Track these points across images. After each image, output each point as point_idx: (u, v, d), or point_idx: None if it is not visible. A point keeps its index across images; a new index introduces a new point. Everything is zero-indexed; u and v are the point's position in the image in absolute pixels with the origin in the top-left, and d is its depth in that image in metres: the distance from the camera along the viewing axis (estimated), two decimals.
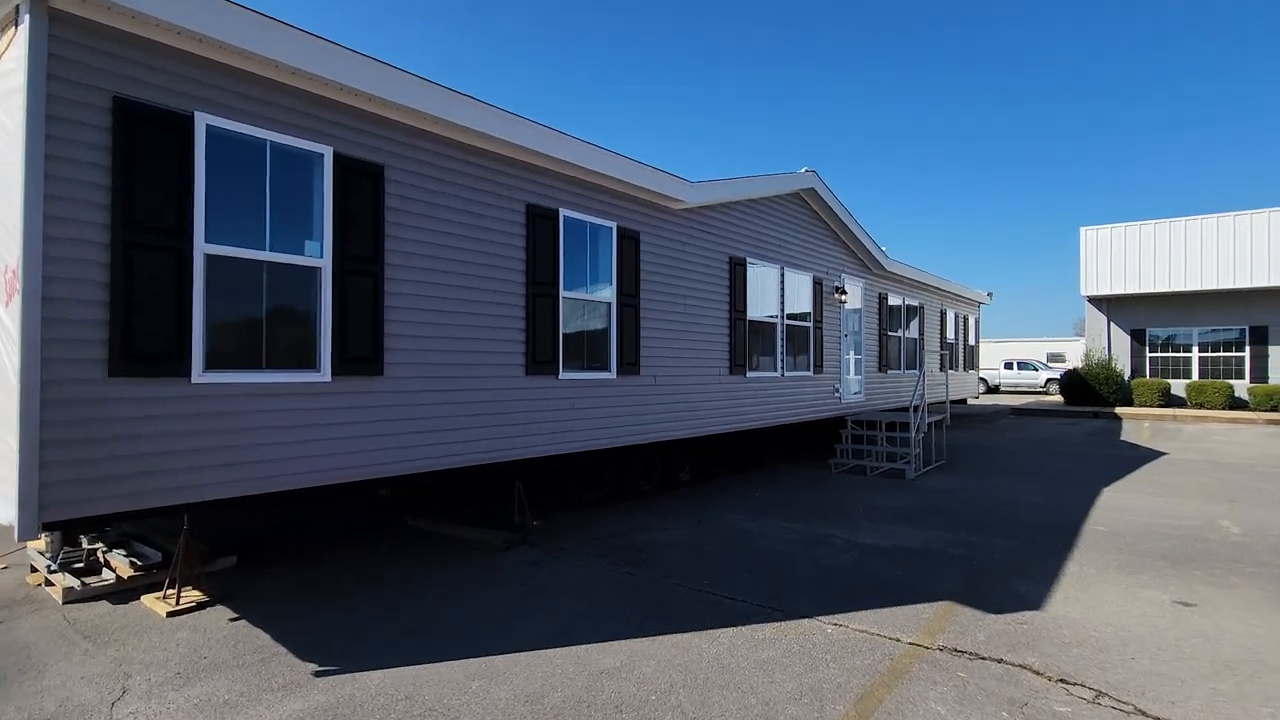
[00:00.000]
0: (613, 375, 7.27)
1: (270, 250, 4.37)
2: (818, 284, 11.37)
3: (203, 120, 4.08)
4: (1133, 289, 19.90)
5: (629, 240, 7.47)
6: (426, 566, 5.74)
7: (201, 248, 4.04)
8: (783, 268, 10.41)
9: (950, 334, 18.27)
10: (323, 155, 4.68)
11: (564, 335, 6.73)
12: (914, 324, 15.77)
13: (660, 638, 4.22)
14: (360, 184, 4.87)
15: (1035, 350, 44.48)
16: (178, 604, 4.60)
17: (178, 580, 4.69)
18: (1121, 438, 15.35)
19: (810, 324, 11.17)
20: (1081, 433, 16.39)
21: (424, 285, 5.41)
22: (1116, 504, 8.48)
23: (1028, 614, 4.60)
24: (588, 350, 7.09)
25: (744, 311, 9.41)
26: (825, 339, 11.61)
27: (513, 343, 6.20)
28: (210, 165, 4.13)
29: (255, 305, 4.33)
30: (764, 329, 10.07)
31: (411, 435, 5.23)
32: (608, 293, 7.25)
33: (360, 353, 4.87)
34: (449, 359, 5.60)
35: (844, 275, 12.30)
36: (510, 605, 4.82)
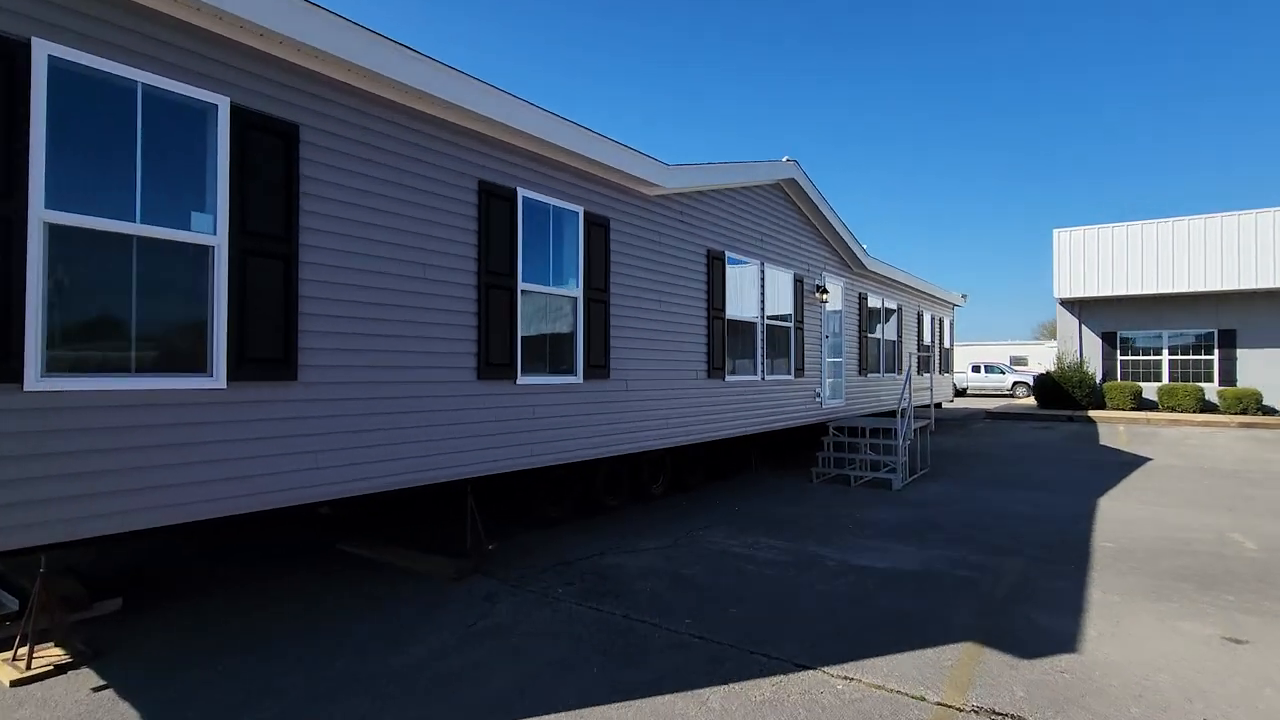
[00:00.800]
0: (578, 379, 6.47)
1: (143, 222, 3.46)
2: (798, 282, 10.73)
3: (43, 49, 3.16)
4: (1105, 291, 19.81)
5: (598, 227, 6.68)
6: (361, 604, 4.86)
7: (40, 214, 3.13)
8: (763, 264, 9.74)
9: (927, 336, 17.87)
10: (216, 107, 3.78)
11: (523, 335, 5.90)
12: (892, 325, 15.28)
13: (636, 703, 3.43)
14: (267, 145, 3.98)
15: (999, 354, 44.99)
16: (28, 669, 3.66)
17: (30, 636, 3.74)
18: (1100, 442, 15.07)
19: (791, 325, 10.52)
20: (1059, 437, 16.10)
21: (351, 272, 4.54)
22: (1117, 515, 7.97)
23: (1064, 658, 3.93)
24: (550, 351, 6.28)
25: (722, 310, 8.70)
26: (806, 341, 10.98)
27: (463, 342, 5.36)
28: (55, 108, 3.21)
29: (121, 293, 3.42)
30: (743, 329, 9.36)
31: (333, 453, 4.35)
32: (573, 286, 6.45)
33: (266, 353, 3.98)
34: (383, 360, 4.73)
35: (825, 274, 11.70)
36: (456, 655, 3.98)
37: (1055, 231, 20.56)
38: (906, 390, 10.32)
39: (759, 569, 5.74)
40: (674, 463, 9.08)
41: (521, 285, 5.85)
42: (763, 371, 9.70)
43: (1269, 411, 18.57)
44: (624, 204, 7.10)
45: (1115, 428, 17.58)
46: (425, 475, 5.04)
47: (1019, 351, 46.58)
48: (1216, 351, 19.61)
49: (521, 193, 5.86)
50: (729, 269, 8.89)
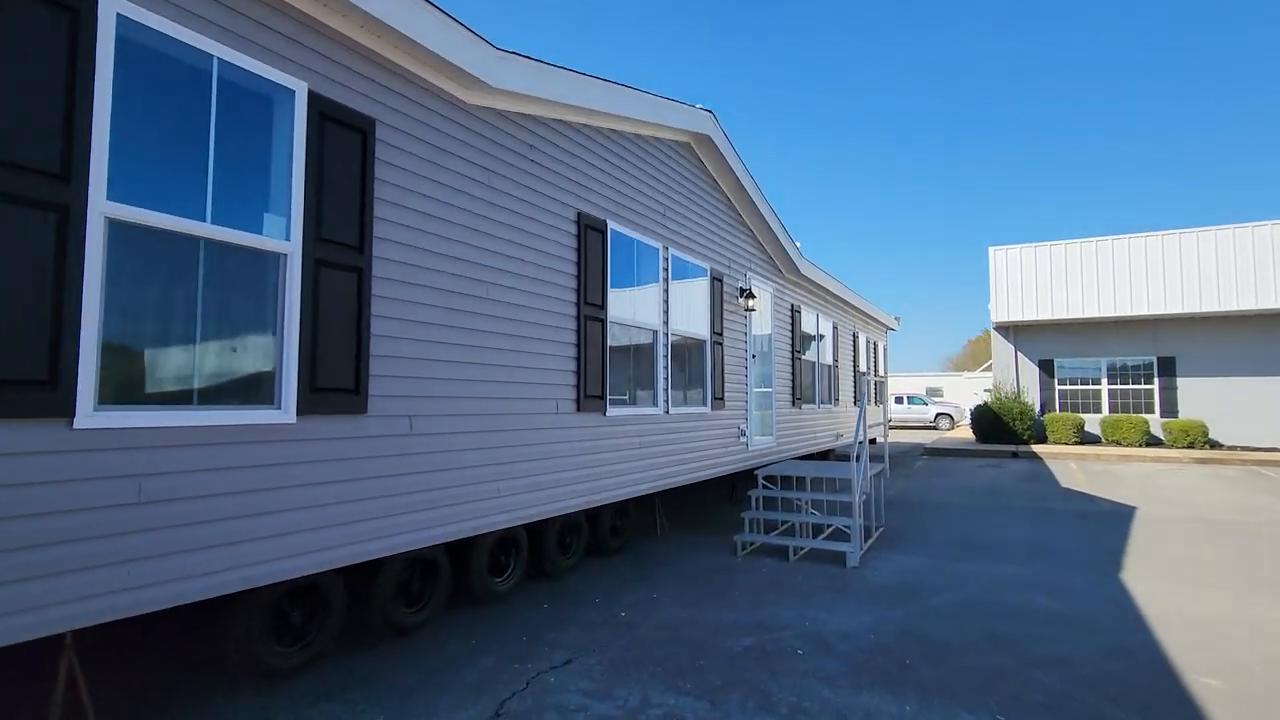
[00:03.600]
0: (279, 416, 3.28)
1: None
2: (717, 282, 7.97)
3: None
4: (1044, 315, 18.32)
5: (342, 130, 3.58)
6: None
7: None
8: (667, 249, 6.90)
9: (862, 362, 15.62)
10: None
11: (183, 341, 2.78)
12: (828, 346, 12.82)
13: None
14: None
15: (916, 385, 44.83)
16: None
17: None
18: (1062, 484, 13.02)
19: (707, 338, 7.70)
20: (1013, 477, 14.01)
21: None
22: (1171, 610, 5.44)
23: None
24: (210, 366, 3.09)
25: (602, 308, 5.75)
26: (728, 361, 8.19)
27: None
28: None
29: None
30: (637, 342, 6.45)
31: None
32: (278, 233, 3.29)
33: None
34: None
35: (751, 275, 9.02)
36: None
37: (991, 250, 19.04)
38: (861, 427, 7.66)
39: None
40: (531, 539, 5.97)
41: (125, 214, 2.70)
42: (667, 402, 6.78)
43: (1215, 445, 17.35)
44: (410, 103, 4.04)
45: (1067, 465, 15.75)
46: None
47: (934, 383, 46.68)
48: (1157, 380, 18.38)
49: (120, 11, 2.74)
50: (614, 246, 5.99)
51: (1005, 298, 18.81)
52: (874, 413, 16.46)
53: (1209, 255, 16.46)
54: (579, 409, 5.39)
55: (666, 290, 6.85)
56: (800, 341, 10.97)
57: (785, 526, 8.20)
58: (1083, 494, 11.78)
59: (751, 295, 8.66)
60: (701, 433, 7.49)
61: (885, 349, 18.61)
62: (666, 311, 6.82)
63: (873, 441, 17.58)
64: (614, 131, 6.11)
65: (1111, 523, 9.28)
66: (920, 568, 6.93)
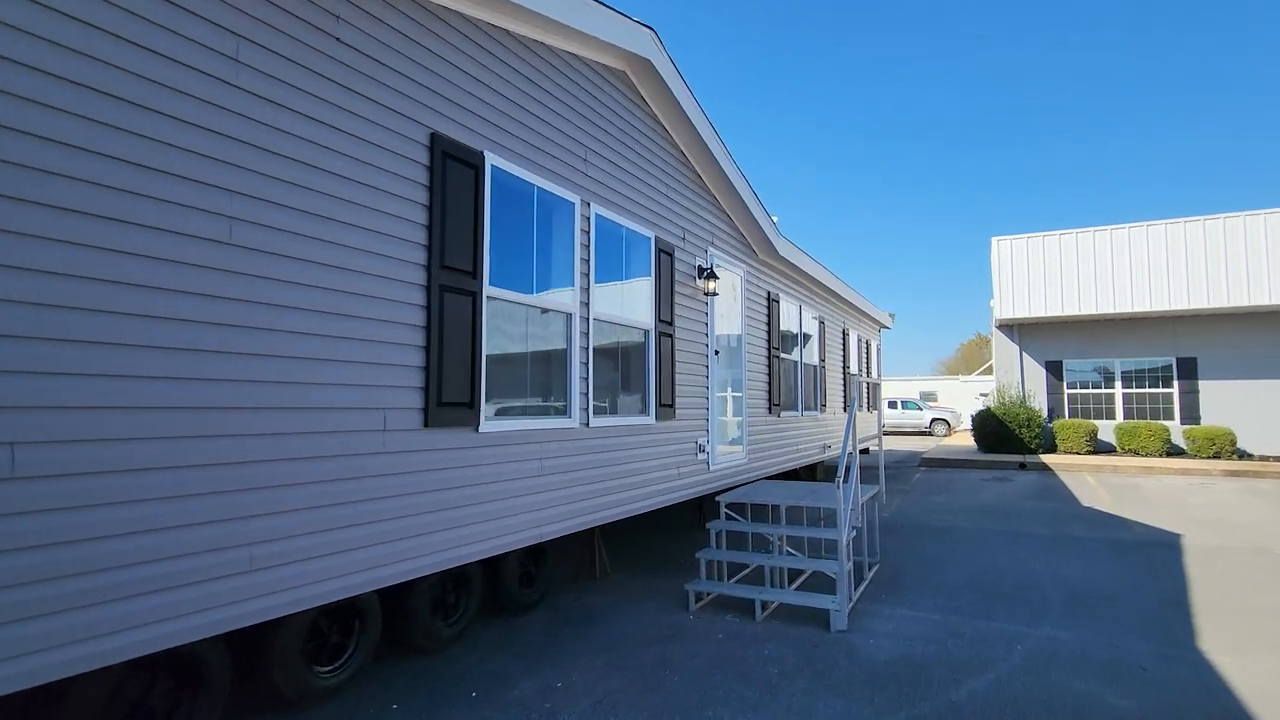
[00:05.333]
0: None
1: None
2: (665, 256, 6.21)
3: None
4: (1052, 312, 16.65)
5: None
6: None
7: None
8: (589, 206, 5.13)
9: (854, 363, 13.89)
10: None
11: None
12: (814, 344, 11.08)
13: None
14: None
15: (910, 389, 43.40)
16: None
17: None
18: (1083, 502, 11.30)
19: (651, 328, 5.93)
20: (1024, 493, 12.29)
21: None
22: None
23: None
24: None
25: (474, 275, 3.97)
26: (680, 359, 6.43)
27: None
28: None
29: None
30: (540, 330, 4.68)
31: None
32: None
33: None
34: None
35: (714, 252, 7.27)
36: None
37: (994, 241, 17.37)
38: (850, 438, 5.88)
39: None
40: (387, 605, 4.20)
41: None
42: (585, 411, 5.00)
43: (1243, 455, 15.70)
44: None
45: (1082, 478, 14.05)
46: None
47: (929, 387, 45.27)
48: (1176, 384, 16.74)
49: None
50: (497, 194, 4.20)
51: (1009, 293, 17.14)
52: (867, 420, 14.75)
53: (1236, 244, 14.82)
54: (428, 423, 3.60)
55: (588, 261, 5.08)
56: (779, 337, 9.22)
57: (753, 569, 6.43)
58: (1110, 516, 10.06)
59: (713, 276, 6.90)
60: (642, 450, 5.72)
61: (879, 349, 16.91)
62: (587, 290, 5.05)
63: (865, 452, 15.88)
64: (506, 33, 4.34)
65: (1156, 556, 7.56)
66: (930, 630, 5.18)
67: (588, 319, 5.04)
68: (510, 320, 4.39)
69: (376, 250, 3.42)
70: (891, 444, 25.36)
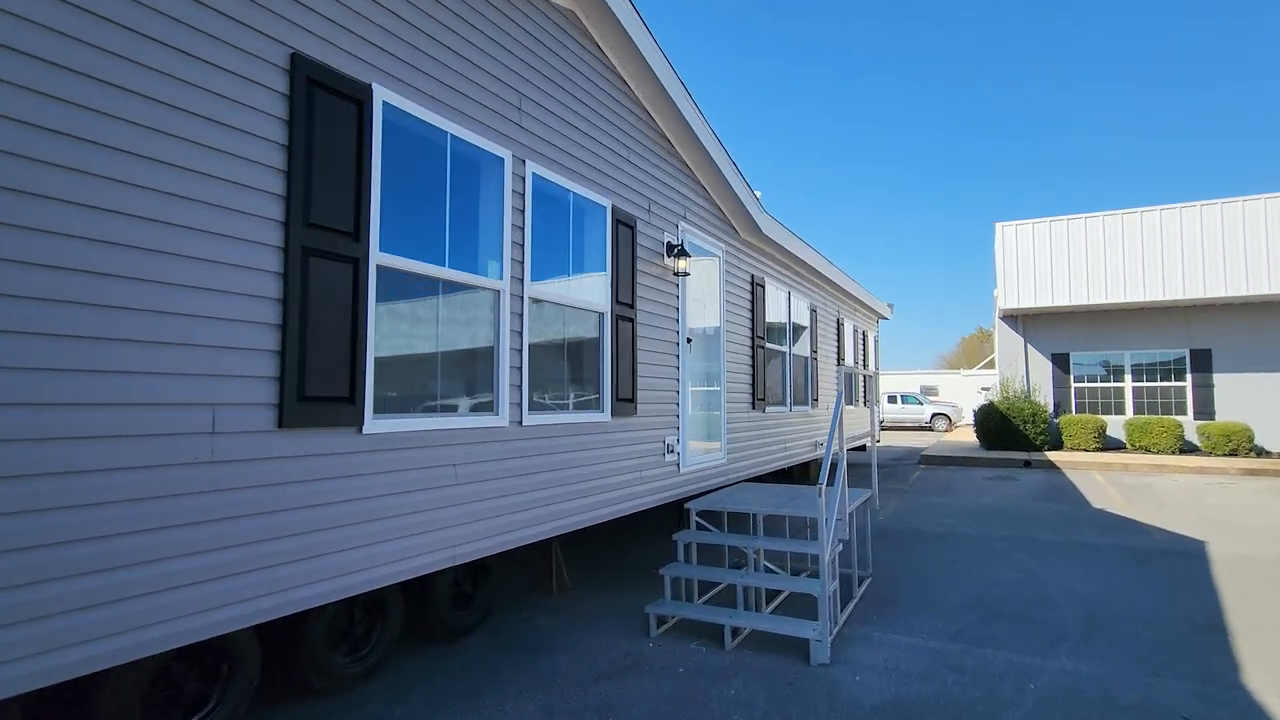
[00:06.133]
0: None
1: None
2: (624, 228, 5.41)
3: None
4: (1059, 301, 15.82)
5: None
6: None
7: None
8: (524, 164, 4.33)
9: (849, 355, 13.09)
10: None
11: None
12: (804, 333, 10.28)
13: None
14: None
15: (910, 383, 42.72)
16: None
17: None
18: (1094, 503, 10.52)
19: (607, 311, 5.14)
20: (1030, 494, 11.51)
21: None
22: None
23: None
24: None
25: (357, 238, 3.17)
26: (644, 347, 5.64)
27: None
28: None
29: None
30: (459, 309, 3.89)
31: None
32: None
33: None
34: None
35: (686, 227, 6.47)
36: None
37: (998, 227, 16.52)
38: (836, 436, 5.08)
39: None
40: (279, 637, 3.44)
41: None
42: (518, 407, 4.21)
43: (1261, 452, 14.90)
44: None
45: (1091, 477, 13.26)
46: None
47: (929, 381, 44.57)
48: (1189, 377, 15.91)
49: None
50: (393, 139, 3.40)
51: (1014, 282, 16.31)
52: (859, 415, 13.96)
53: (1256, 229, 13.97)
54: (284, 423, 2.81)
55: (522, 229, 4.28)
56: (764, 325, 8.43)
57: (724, 588, 5.66)
58: (1124, 519, 9.28)
59: (684, 254, 6.10)
60: (594, 452, 4.93)
61: (876, 340, 16.11)
62: (521, 262, 4.25)
63: (861, 449, 15.09)
64: None
65: (1179, 567, 6.78)
66: (926, 663, 4.42)
67: (522, 298, 4.24)
68: (415, 297, 3.60)
69: (208, 199, 2.63)
70: (891, 440, 24.58)
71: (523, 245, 4.27)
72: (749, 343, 7.97)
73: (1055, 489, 12.00)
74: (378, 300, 3.29)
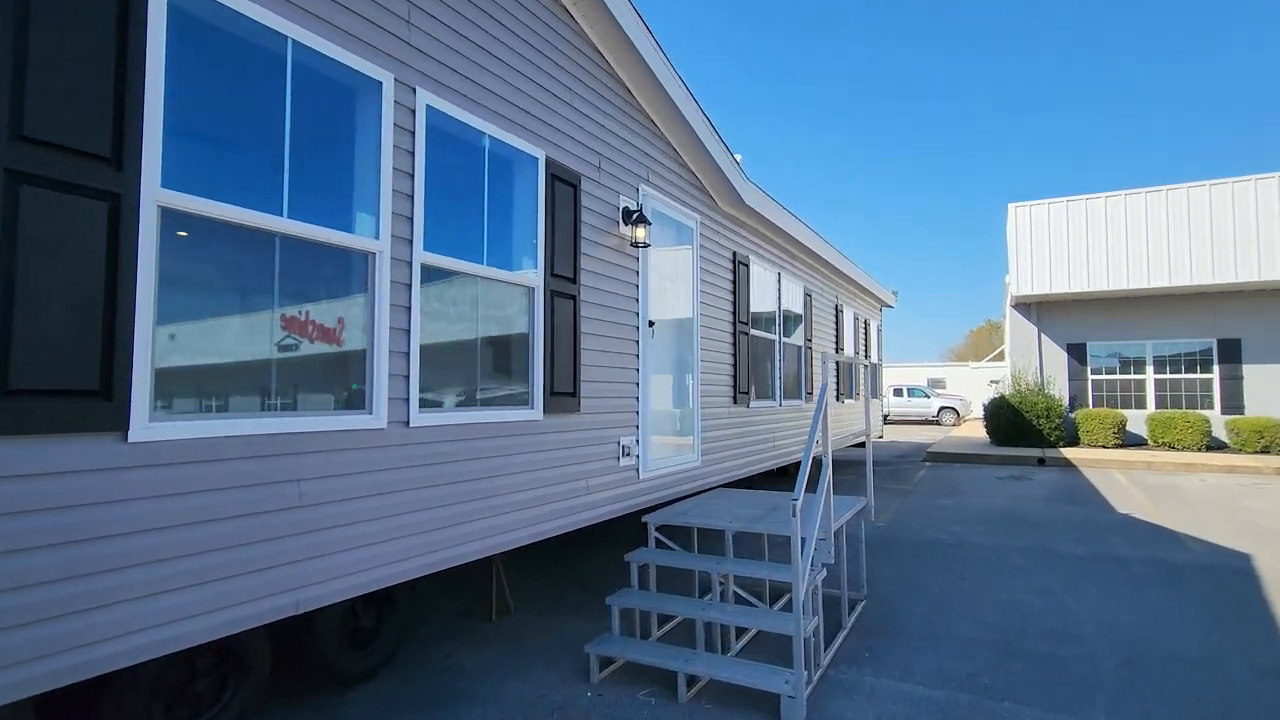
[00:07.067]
0: None
1: None
2: (564, 185, 4.46)
3: None
4: (1076, 287, 14.77)
5: None
6: None
7: None
8: (413, 91, 3.39)
9: (848, 344, 12.12)
10: None
11: None
12: (797, 320, 9.32)
13: None
14: None
15: (917, 375, 41.79)
16: None
17: None
18: (1118, 508, 9.54)
19: (538, 285, 4.21)
20: (1047, 496, 10.53)
21: None
22: None
23: None
24: None
25: (118, 163, 2.24)
26: (589, 329, 4.70)
27: None
28: None
29: None
30: (311, 280, 2.97)
31: None
32: None
33: None
34: None
35: (648, 190, 5.51)
36: None
37: (1011, 208, 15.47)
38: (816, 437, 4.13)
39: None
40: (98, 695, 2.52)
41: None
42: (405, 404, 3.28)
43: None
44: None
45: (1112, 477, 12.26)
46: None
47: (936, 374, 43.64)
48: (1217, 368, 14.85)
49: None
50: (177, 31, 2.46)
51: (1028, 267, 15.26)
52: (858, 410, 12.98)
53: None
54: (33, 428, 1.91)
55: (412, 176, 3.35)
56: (749, 309, 7.47)
57: (683, 626, 4.73)
58: (1154, 527, 8.29)
59: (644, 221, 5.15)
60: (519, 458, 4.01)
61: (879, 330, 15.11)
62: (410, 219, 3.32)
63: (861, 445, 14.13)
64: None
65: (1226, 588, 5.81)
66: None
67: (410, 264, 3.31)
68: (230, 255, 2.67)
69: None
70: (895, 434, 23.59)
71: (411, 197, 3.34)
72: (730, 329, 7.02)
73: (1074, 490, 11.01)
74: (167, 257, 2.37)
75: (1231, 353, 14.65)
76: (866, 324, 13.60)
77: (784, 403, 8.58)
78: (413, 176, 3.36)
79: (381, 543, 3.14)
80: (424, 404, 3.41)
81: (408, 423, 3.27)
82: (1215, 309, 14.82)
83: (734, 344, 7.07)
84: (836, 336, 11.23)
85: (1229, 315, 14.70)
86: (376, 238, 3.16)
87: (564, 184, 4.45)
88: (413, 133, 3.37)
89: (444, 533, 3.45)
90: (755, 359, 7.69)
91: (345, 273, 3.13)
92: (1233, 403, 14.58)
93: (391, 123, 3.24)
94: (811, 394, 9.64)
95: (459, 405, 3.69)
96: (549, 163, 4.32)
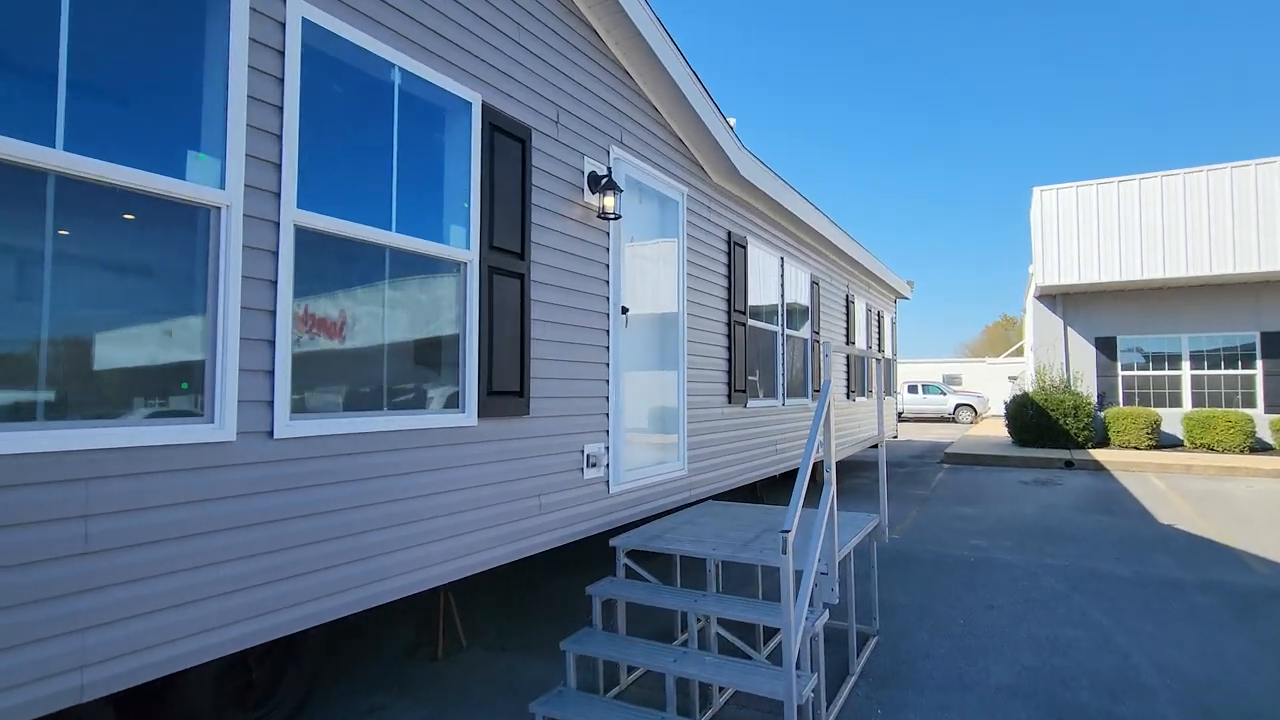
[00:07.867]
0: None
1: None
2: (508, 140, 3.66)
3: None
4: (1106, 277, 13.75)
5: None
6: None
7: None
8: (283, 1, 2.60)
9: (860, 337, 11.24)
10: None
11: None
12: (803, 310, 8.46)
13: None
14: None
15: (932, 372, 40.77)
16: None
17: None
18: (1160, 518, 8.61)
19: (472, 261, 3.41)
20: (1078, 504, 9.61)
21: None
22: None
23: None
24: None
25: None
26: (542, 315, 3.90)
27: None
28: None
29: None
30: (124, 243, 2.19)
31: None
32: None
33: None
34: None
35: (619, 152, 4.69)
36: None
37: (1036, 192, 14.45)
38: (816, 445, 3.29)
39: None
40: None
41: None
42: (270, 409, 2.49)
43: None
44: None
45: (1148, 481, 11.29)
46: None
47: (952, 370, 42.55)
48: (1260, 364, 13.79)
49: None
50: None
51: (1054, 256, 14.25)
52: (870, 409, 12.08)
53: None
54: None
55: (280, 109, 2.57)
56: (745, 297, 6.64)
57: (641, 674, 3.93)
58: (1204, 541, 7.37)
59: (614, 188, 4.33)
60: (443, 474, 3.21)
61: (894, 322, 14.19)
62: (277, 166, 2.54)
63: (873, 446, 13.23)
64: None
65: None
66: None
67: (277, 224, 2.52)
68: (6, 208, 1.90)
69: None
70: (910, 433, 22.61)
71: (279, 137, 2.55)
72: (724, 318, 6.19)
73: (1108, 496, 10.08)
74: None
75: (1276, 347, 13.58)
76: (880, 316, 12.69)
77: (788, 402, 7.74)
78: (281, 110, 2.56)
79: (224, 594, 2.36)
80: (298, 409, 2.62)
81: (271, 433, 2.49)
82: (1259, 300, 13.75)
83: (729, 335, 6.24)
84: (847, 329, 10.35)
85: (1274, 307, 13.63)
86: (222, 188, 2.37)
87: (508, 137, 3.64)
88: (282, 53, 2.57)
89: (316, 578, 2.66)
90: (754, 353, 6.86)
91: (187, 239, 2.34)
92: (1277, 401, 13.53)
93: (246, 35, 2.44)
94: (810, 390, 8.79)
95: (357, 409, 2.90)
96: (487, 109, 3.51)
